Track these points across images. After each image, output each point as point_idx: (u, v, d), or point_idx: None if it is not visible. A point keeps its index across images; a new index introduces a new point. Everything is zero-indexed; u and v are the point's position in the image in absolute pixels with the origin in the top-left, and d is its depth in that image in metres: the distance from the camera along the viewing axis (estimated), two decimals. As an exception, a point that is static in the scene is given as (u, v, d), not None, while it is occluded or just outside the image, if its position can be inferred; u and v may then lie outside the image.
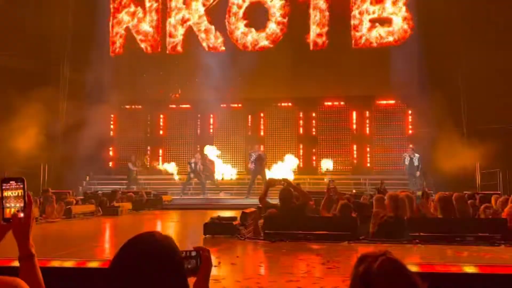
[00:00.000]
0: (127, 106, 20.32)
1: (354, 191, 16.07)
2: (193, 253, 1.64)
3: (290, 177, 15.91)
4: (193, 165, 17.48)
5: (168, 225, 10.29)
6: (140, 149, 20.07)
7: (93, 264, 3.56)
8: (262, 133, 19.81)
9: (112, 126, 20.52)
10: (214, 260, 4.68)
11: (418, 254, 5.25)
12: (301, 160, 19.43)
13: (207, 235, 6.56)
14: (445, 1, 17.28)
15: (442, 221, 6.09)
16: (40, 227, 8.52)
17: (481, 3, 16.89)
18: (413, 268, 2.79)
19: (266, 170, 17.06)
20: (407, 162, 16.78)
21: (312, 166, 19.33)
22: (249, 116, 19.97)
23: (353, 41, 19.19)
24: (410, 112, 18.77)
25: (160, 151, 20.12)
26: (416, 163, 16.78)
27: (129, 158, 18.77)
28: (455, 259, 4.73)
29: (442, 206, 6.28)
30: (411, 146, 17.23)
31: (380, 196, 7.02)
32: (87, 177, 19.29)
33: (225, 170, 18.90)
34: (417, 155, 16.61)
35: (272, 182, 7.22)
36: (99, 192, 14.52)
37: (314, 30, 19.51)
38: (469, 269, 3.74)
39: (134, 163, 18.25)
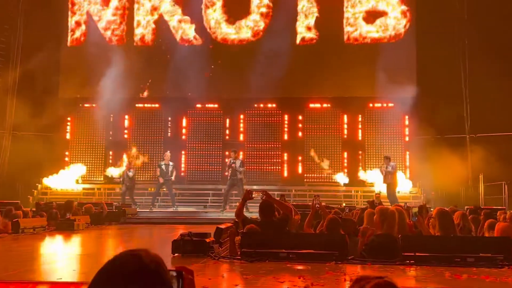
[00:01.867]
0: (86, 105, 20.14)
1: (343, 204, 16.24)
2: (173, 273, 1.56)
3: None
4: (163, 167, 17.37)
5: (130, 243, 10.20)
6: (99, 154, 19.87)
7: (43, 287, 3.52)
8: (241, 138, 19.84)
9: (68, 128, 20.29)
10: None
11: (412, 277, 5.33)
12: (285, 168, 19.52)
13: (176, 254, 6.54)
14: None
15: (439, 240, 6.19)
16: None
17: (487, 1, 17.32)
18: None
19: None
20: (383, 174, 16.55)
21: (298, 175, 19.42)
22: (227, 119, 19.99)
23: (345, 36, 19.42)
24: (407, 117, 19.05)
25: (124, 156, 19.94)
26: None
27: (123, 161, 18.63)
28: (453, 283, 4.82)
29: (441, 223, 6.37)
30: (386, 155, 17.49)
31: (371, 211, 7.10)
32: (39, 185, 19.02)
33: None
34: (392, 163, 16.55)
35: (249, 194, 7.23)
36: (54, 203, 14.31)
37: (302, 22, 19.68)
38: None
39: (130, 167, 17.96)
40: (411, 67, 18.88)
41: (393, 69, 18.27)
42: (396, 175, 16.23)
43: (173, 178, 17.40)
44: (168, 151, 17.88)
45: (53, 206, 13.36)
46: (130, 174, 17.72)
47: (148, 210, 16.96)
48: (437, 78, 17.82)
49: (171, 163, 17.52)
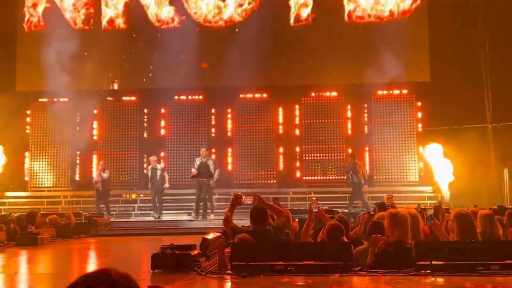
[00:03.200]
0: (45, 100, 20.00)
1: (350, 208, 16.30)
2: None
3: None
4: (150, 172, 17.34)
5: (103, 258, 10.18)
6: (63, 157, 19.73)
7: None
8: (229, 133, 19.82)
9: (28, 126, 20.16)
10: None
11: (429, 289, 5.37)
12: (281, 167, 19.54)
13: (156, 270, 6.54)
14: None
15: (458, 246, 6.22)
16: None
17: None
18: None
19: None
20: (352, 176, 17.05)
21: (295, 175, 19.44)
22: (213, 110, 19.95)
23: (346, 15, 19.44)
24: (419, 104, 19.11)
25: (94, 158, 19.86)
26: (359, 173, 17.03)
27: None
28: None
29: (460, 226, 6.40)
30: (350, 151, 17.72)
31: (381, 215, 7.11)
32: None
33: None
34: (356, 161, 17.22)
35: (238, 199, 7.23)
36: (13, 214, 14.23)
37: (297, 2, 19.69)
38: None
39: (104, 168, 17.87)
40: (422, 48, 18.94)
41: (402, 51, 18.32)
42: (361, 174, 16.90)
43: (166, 185, 17.40)
44: (153, 156, 17.75)
45: (12, 218, 13.27)
46: (105, 175, 17.66)
47: (153, 219, 17.08)
48: (453, 60, 17.87)
49: (159, 167, 17.47)
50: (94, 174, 18.13)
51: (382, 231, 6.53)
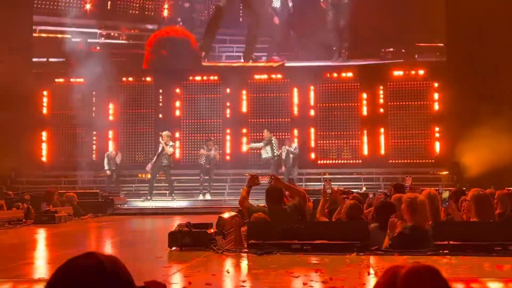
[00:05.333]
0: (61, 80, 20.08)
1: (364, 188, 16.26)
2: None
3: None
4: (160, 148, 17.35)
5: (121, 236, 10.26)
6: (79, 137, 19.84)
7: (23, 286, 3.55)
8: (245, 111, 19.78)
9: (44, 106, 20.29)
10: (183, 280, 4.70)
11: (446, 268, 5.34)
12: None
13: (174, 248, 6.57)
14: None
15: (477, 226, 6.19)
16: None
17: None
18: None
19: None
20: (284, 156, 17.71)
21: (309, 156, 19.40)
22: (228, 90, 19.90)
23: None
24: (436, 85, 18.93)
25: (110, 138, 19.96)
26: (291, 155, 17.69)
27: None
28: (493, 274, 4.83)
29: (477, 207, 6.35)
30: (288, 137, 18.26)
31: (398, 197, 7.05)
32: (13, 173, 19.11)
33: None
34: (294, 145, 17.95)
35: (255, 179, 7.24)
36: (25, 194, 14.34)
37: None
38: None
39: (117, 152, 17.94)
40: (439, 28, 18.69)
41: (418, 31, 18.12)
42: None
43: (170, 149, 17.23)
44: (167, 131, 17.65)
45: (25, 198, 13.39)
46: (118, 160, 17.76)
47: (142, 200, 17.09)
48: (470, 40, 17.59)
49: (171, 144, 17.31)
50: (106, 164, 17.96)
51: (391, 210, 6.52)
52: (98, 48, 19.84)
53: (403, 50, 19.23)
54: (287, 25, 19.71)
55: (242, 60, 19.83)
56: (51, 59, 20.24)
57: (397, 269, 1.47)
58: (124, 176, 18.86)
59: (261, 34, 19.80)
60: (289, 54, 20.01)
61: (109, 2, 20.11)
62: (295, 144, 18.20)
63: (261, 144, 17.95)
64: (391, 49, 19.24)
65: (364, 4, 18.43)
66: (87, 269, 1.39)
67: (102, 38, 20.23)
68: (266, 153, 17.75)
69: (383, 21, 18.34)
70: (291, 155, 17.76)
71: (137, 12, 20.28)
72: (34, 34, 20.08)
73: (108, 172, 17.77)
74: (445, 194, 6.64)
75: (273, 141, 17.84)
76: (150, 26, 20.45)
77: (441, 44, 18.92)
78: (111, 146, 18.56)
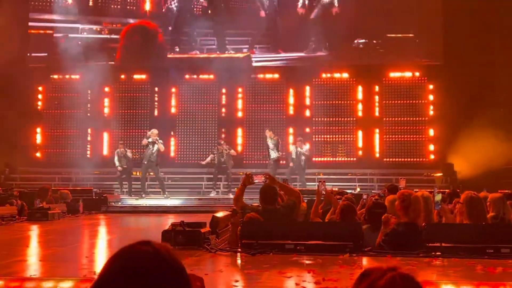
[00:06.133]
0: (56, 76, 20.03)
1: (358, 189, 16.29)
2: None
3: None
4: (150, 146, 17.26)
5: (114, 234, 10.25)
6: (75, 134, 19.82)
7: (14, 284, 3.54)
8: (240, 114, 19.76)
9: (39, 102, 20.23)
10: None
11: (438, 271, 5.36)
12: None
13: (167, 247, 6.56)
14: None
15: (469, 229, 6.21)
16: None
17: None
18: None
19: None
20: (294, 156, 17.49)
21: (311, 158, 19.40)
22: (224, 90, 19.87)
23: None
24: (431, 87, 18.97)
25: (105, 136, 19.90)
26: (303, 157, 17.47)
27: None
28: (485, 277, 4.85)
29: (470, 210, 6.37)
30: (300, 138, 18.01)
31: (393, 198, 7.09)
32: (6, 169, 19.06)
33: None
34: (305, 147, 17.67)
35: (250, 179, 7.24)
36: (15, 190, 14.26)
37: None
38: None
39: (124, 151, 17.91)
40: (436, 31, 18.72)
41: (415, 33, 18.14)
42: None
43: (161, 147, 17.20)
44: (155, 129, 17.61)
45: (15, 194, 13.30)
46: (129, 154, 17.64)
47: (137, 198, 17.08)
48: (466, 44, 17.64)
49: (160, 141, 17.22)
50: (116, 161, 17.66)
51: (383, 211, 6.56)
52: (79, 42, 19.84)
53: (374, 41, 19.28)
54: (273, 17, 19.73)
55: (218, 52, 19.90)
56: (37, 54, 20.27)
57: (374, 277, 1.45)
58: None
59: (245, 26, 19.78)
60: (271, 46, 20.01)
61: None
62: (306, 146, 17.84)
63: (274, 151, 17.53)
64: (363, 40, 19.28)
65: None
66: (146, 255, 1.40)
67: (85, 33, 20.26)
68: (274, 153, 17.45)
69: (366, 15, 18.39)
70: (302, 157, 17.44)
71: (119, 6, 20.35)
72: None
73: (119, 168, 17.63)
74: (438, 197, 6.67)
75: (279, 141, 17.70)
76: (132, 21, 20.52)
77: (411, 35, 18.96)
78: (119, 144, 18.27)
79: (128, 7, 20.54)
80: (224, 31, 19.93)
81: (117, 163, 17.57)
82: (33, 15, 20.36)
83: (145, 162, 17.05)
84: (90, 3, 20.24)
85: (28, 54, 20.20)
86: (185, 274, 1.44)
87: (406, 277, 1.46)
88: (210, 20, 19.83)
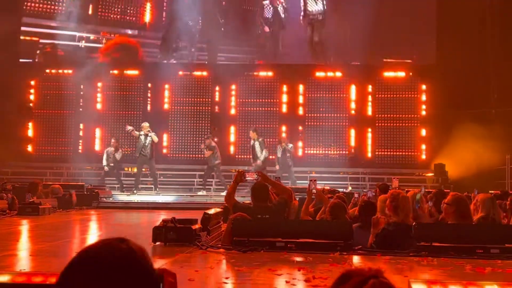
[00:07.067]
0: (48, 71, 19.94)
1: (349, 188, 16.34)
2: None
3: None
4: (142, 138, 17.18)
5: (104, 230, 10.23)
6: (67, 129, 19.74)
7: (2, 278, 3.52)
8: (233, 111, 19.75)
9: (32, 97, 20.14)
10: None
11: (427, 270, 5.38)
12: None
13: (157, 243, 6.56)
14: None
15: (459, 228, 6.23)
16: None
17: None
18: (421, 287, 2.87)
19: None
20: (279, 154, 17.49)
21: (297, 154, 19.42)
22: (217, 88, 19.86)
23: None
24: (424, 87, 19.03)
25: (97, 131, 19.84)
26: (288, 154, 17.47)
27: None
28: (474, 277, 4.87)
29: (458, 210, 6.38)
30: (284, 136, 18.19)
31: (384, 198, 7.11)
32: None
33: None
34: (290, 145, 17.69)
35: (242, 176, 7.24)
36: (8, 184, 14.21)
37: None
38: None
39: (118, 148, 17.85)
40: (429, 31, 18.79)
41: (408, 34, 18.19)
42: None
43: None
44: (146, 123, 17.52)
45: (7, 188, 13.26)
46: (118, 156, 17.63)
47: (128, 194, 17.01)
48: (459, 44, 17.71)
49: (151, 134, 17.13)
50: (104, 159, 17.70)
51: (373, 210, 6.58)
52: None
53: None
54: (277, 35, 19.78)
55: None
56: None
57: (356, 283, 1.43)
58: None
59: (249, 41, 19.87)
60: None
61: (90, 6, 20.14)
62: (291, 144, 17.88)
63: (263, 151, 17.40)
64: (358, 63, 19.38)
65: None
66: (119, 252, 1.41)
67: (83, 41, 20.22)
68: (262, 153, 17.30)
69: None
70: (288, 154, 17.47)
71: (118, 16, 20.30)
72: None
73: (106, 168, 17.65)
74: (417, 196, 6.74)
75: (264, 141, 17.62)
76: (130, 31, 20.50)
77: (409, 61, 19.07)
78: (111, 142, 18.23)
79: (128, 18, 20.50)
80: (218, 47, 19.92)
81: (104, 162, 17.57)
82: (27, 19, 20.30)
83: (137, 155, 17.02)
84: (90, 12, 20.19)
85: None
86: (155, 277, 1.47)
87: (387, 286, 1.44)
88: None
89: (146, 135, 16.94)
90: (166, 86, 19.87)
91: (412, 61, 19.20)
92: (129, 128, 17.25)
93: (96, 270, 1.38)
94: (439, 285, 2.88)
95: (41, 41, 20.16)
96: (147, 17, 20.32)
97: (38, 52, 20.17)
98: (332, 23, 19.02)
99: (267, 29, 19.75)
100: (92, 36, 20.45)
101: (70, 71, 19.53)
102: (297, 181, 17.26)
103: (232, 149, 19.49)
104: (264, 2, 19.97)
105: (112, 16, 20.29)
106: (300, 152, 19.40)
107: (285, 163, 17.44)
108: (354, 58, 19.47)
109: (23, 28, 20.21)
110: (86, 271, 1.38)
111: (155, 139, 17.09)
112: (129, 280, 1.39)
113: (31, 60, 20.31)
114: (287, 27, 19.86)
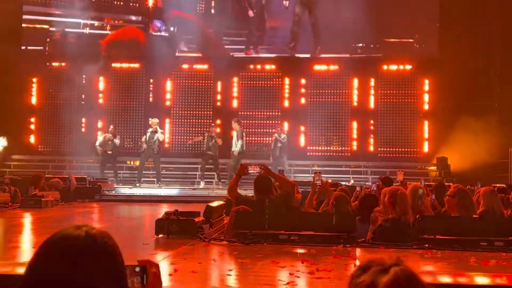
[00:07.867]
0: (54, 64, 19.91)
1: (352, 181, 16.31)
2: (137, 269, 1.63)
3: None
4: (148, 134, 17.11)
5: (107, 223, 10.22)
6: (69, 123, 19.72)
7: (4, 270, 3.51)
8: (235, 104, 19.73)
9: (34, 91, 20.13)
10: (169, 268, 4.68)
11: (431, 263, 5.36)
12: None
13: (160, 235, 6.55)
14: None
15: (463, 221, 6.22)
16: None
17: None
18: (427, 279, 2.84)
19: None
20: (272, 147, 17.44)
21: (299, 147, 19.41)
22: (219, 83, 19.82)
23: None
24: (427, 81, 18.97)
25: (99, 124, 19.83)
26: (279, 145, 17.30)
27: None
28: (479, 269, 4.85)
29: (460, 202, 6.36)
30: (279, 127, 18.13)
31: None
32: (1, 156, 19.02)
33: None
34: (283, 135, 17.53)
35: (245, 169, 7.22)
36: (6, 177, 14.20)
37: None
38: (499, 280, 3.84)
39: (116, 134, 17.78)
40: (432, 24, 18.71)
41: (411, 26, 18.12)
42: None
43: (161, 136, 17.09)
44: (155, 118, 17.47)
45: (6, 181, 13.25)
46: (117, 141, 17.58)
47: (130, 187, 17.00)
48: (462, 38, 17.63)
49: (160, 131, 17.08)
50: (98, 142, 17.76)
51: (374, 202, 6.55)
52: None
53: (372, 46, 19.28)
54: (261, 18, 19.65)
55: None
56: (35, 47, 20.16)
57: (377, 272, 1.40)
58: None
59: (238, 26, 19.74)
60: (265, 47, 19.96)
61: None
62: (284, 134, 17.78)
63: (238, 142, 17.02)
64: (360, 44, 19.28)
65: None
66: (76, 241, 1.45)
67: (87, 29, 20.16)
68: (235, 146, 16.90)
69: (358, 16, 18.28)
70: (278, 144, 17.31)
71: (121, 3, 20.23)
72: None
73: (98, 148, 17.50)
74: (420, 192, 6.73)
75: (243, 134, 17.17)
76: (134, 18, 20.41)
77: (411, 40, 18.97)
78: (110, 128, 18.15)
79: (131, 4, 20.43)
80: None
81: (97, 144, 17.51)
82: (28, 7, 20.23)
83: (145, 146, 16.93)
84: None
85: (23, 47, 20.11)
86: (119, 259, 1.50)
87: (410, 274, 1.41)
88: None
89: (154, 132, 16.88)
90: (168, 82, 19.87)
91: (414, 40, 19.05)
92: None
93: (56, 259, 1.43)
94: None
95: (51, 29, 20.04)
96: (150, 2, 20.20)
97: (48, 40, 20.04)
98: (331, 8, 18.83)
99: (251, 13, 19.59)
100: (96, 23, 20.38)
101: (73, 63, 19.48)
102: (299, 175, 17.23)
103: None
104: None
105: (115, 2, 20.24)
106: (302, 143, 19.34)
107: (274, 154, 17.26)
108: (357, 40, 19.27)
109: (26, 17, 20.15)
110: (48, 261, 1.44)
111: (161, 137, 17.03)
112: (90, 264, 1.43)
113: (41, 48, 20.15)
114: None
